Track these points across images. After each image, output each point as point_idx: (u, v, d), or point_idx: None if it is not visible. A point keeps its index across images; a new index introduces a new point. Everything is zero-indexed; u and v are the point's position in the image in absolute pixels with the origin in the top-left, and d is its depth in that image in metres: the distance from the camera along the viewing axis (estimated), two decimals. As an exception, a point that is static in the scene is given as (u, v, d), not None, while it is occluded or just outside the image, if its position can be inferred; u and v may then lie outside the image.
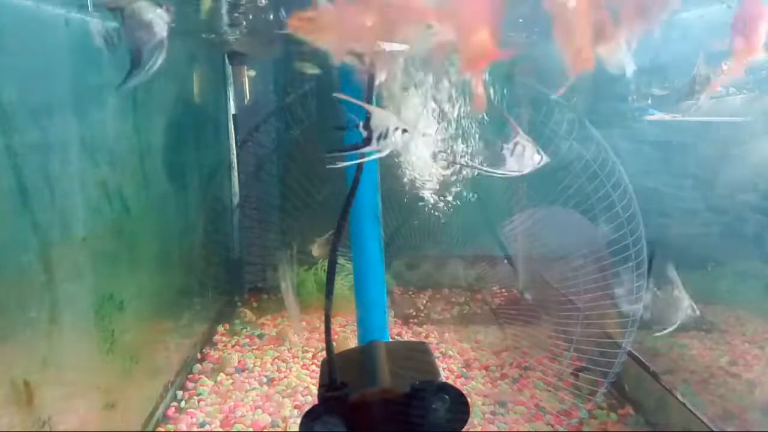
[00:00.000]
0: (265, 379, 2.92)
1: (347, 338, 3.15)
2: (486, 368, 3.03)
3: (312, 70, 2.50)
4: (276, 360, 3.13)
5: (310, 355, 3.18)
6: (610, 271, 2.61)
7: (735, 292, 2.69)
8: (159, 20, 1.16)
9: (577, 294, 2.89)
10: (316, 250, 3.29)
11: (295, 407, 2.68)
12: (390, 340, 1.18)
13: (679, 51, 2.53)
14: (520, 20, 2.37)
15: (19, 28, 1.65)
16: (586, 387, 2.73)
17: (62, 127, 1.86)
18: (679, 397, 2.38)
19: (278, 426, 2.55)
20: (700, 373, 2.56)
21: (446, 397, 0.96)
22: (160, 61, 1.19)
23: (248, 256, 3.99)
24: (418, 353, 1.10)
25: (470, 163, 2.23)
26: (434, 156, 2.10)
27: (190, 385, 2.87)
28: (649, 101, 2.67)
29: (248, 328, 3.54)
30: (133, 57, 1.17)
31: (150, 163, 2.54)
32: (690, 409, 2.30)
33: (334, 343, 0.99)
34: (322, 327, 0.98)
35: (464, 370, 3.02)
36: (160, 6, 1.17)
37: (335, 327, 3.40)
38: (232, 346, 3.30)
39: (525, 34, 2.56)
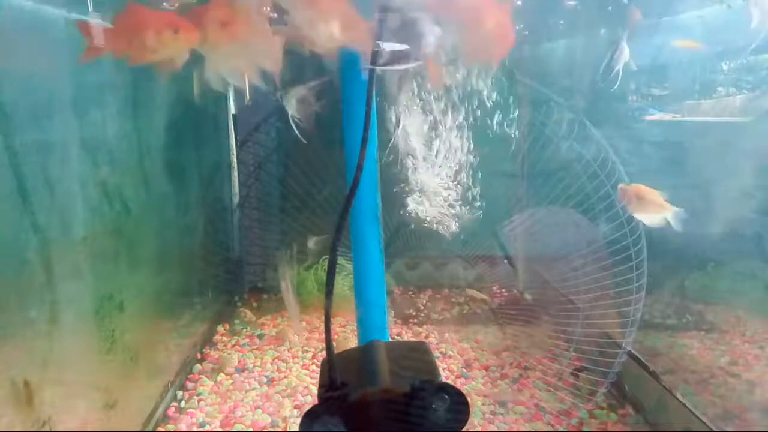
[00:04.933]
0: (265, 379, 2.92)
1: (347, 338, 3.15)
2: (486, 368, 3.03)
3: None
4: (276, 360, 3.13)
5: (310, 355, 3.18)
6: (610, 270, 2.61)
7: (735, 292, 2.69)
8: (430, 36, 1.15)
9: (577, 294, 2.89)
10: (312, 244, 3.32)
11: (295, 407, 2.67)
12: (390, 340, 1.18)
13: (679, 51, 2.55)
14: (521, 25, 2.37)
15: (19, 28, 1.65)
16: (586, 387, 2.73)
17: (62, 127, 1.86)
18: (679, 397, 2.38)
19: (278, 426, 2.55)
20: (700, 373, 2.56)
21: (446, 397, 0.96)
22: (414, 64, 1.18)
23: (248, 255, 3.99)
24: (418, 353, 1.09)
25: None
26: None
27: (190, 385, 2.87)
28: (650, 100, 2.68)
29: (248, 328, 3.54)
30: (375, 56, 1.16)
31: (150, 163, 2.55)
32: (690, 409, 2.30)
33: (334, 343, 0.99)
34: (322, 327, 0.98)
35: (464, 370, 3.02)
36: (438, 25, 1.16)
37: (335, 327, 3.40)
38: (232, 346, 3.30)
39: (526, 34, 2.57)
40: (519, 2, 2.03)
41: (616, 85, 1.88)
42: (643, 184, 2.24)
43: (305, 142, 2.42)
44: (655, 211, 2.18)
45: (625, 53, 1.93)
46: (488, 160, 2.83)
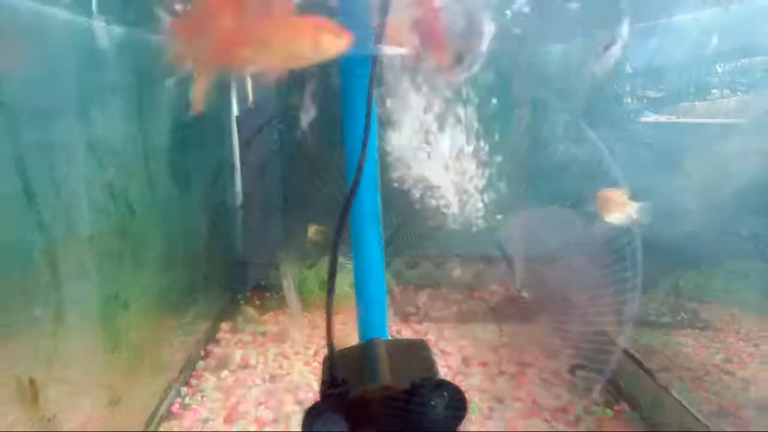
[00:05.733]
0: (267, 376, 2.94)
1: (348, 336, 3.16)
2: (484, 365, 3.04)
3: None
4: (278, 357, 3.15)
5: (311, 352, 3.20)
6: (606, 269, 2.62)
7: (730, 290, 2.71)
8: (489, 35, 1.18)
9: (574, 292, 2.91)
10: (312, 233, 3.33)
11: (297, 403, 2.69)
12: (390, 337, 1.19)
13: (674, 53, 2.56)
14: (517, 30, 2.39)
15: (27, 29, 1.66)
16: (583, 384, 2.75)
17: (68, 129, 1.87)
18: (675, 394, 2.40)
19: (280, 422, 2.57)
20: (695, 370, 2.58)
21: (445, 393, 0.96)
22: (475, 67, 1.22)
23: (251, 255, 4.00)
24: (418, 350, 1.10)
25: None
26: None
27: (193, 381, 2.89)
28: (645, 102, 2.69)
29: (251, 325, 3.55)
30: (454, 56, 1.20)
31: (155, 164, 2.55)
32: (685, 407, 2.32)
33: (335, 341, 1.01)
34: (324, 324, 1.00)
35: (463, 366, 3.04)
36: (493, 22, 1.18)
37: (336, 325, 3.41)
38: (235, 344, 3.32)
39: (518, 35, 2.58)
40: (516, 6, 2.05)
41: (612, 67, 1.91)
42: (613, 187, 2.30)
43: (310, 144, 2.42)
44: (619, 210, 2.22)
45: (619, 46, 1.95)
46: (488, 160, 2.85)
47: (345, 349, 1.13)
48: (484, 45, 1.19)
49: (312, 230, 3.38)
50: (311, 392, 2.78)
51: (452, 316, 3.68)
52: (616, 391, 2.78)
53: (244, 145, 3.78)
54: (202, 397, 2.75)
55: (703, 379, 2.50)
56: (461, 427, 0.98)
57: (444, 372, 2.96)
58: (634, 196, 2.31)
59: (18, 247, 1.61)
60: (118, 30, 2.17)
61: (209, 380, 2.90)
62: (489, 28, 1.19)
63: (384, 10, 1.12)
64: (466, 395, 0.96)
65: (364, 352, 1.08)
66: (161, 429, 2.50)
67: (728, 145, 2.40)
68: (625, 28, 1.95)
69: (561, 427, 2.53)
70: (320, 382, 1.01)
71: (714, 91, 2.39)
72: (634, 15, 2.39)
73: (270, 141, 3.75)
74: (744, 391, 2.43)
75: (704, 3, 2.30)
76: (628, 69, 2.34)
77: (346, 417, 0.94)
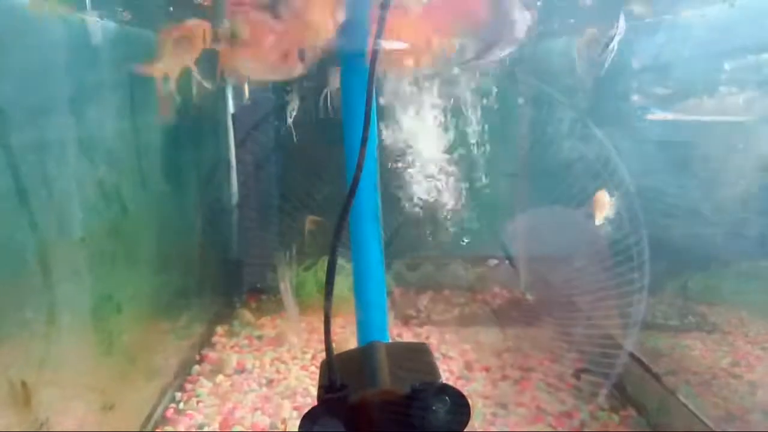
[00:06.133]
0: (264, 381, 2.91)
1: (347, 339, 3.14)
2: (487, 370, 3.01)
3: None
4: (275, 361, 3.12)
5: (309, 356, 3.17)
6: (612, 271, 2.60)
7: (738, 292, 2.69)
8: (523, 22, 1.20)
9: (579, 295, 2.88)
10: (309, 224, 3.32)
11: (294, 409, 2.67)
12: (390, 341, 1.17)
13: (681, 50, 2.54)
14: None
15: (16, 27, 1.64)
16: (588, 388, 2.72)
17: (60, 127, 1.86)
18: (682, 398, 2.37)
19: (277, 428, 2.54)
20: (702, 374, 2.55)
21: (446, 398, 0.95)
22: (507, 51, 1.24)
23: (247, 256, 3.97)
24: (419, 354, 1.09)
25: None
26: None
27: (188, 386, 2.86)
28: (652, 100, 2.67)
29: (248, 328, 3.52)
30: (485, 43, 1.23)
31: (148, 162, 2.54)
32: (692, 411, 2.29)
33: (333, 345, 0.98)
34: (322, 328, 0.97)
35: (465, 371, 3.01)
36: (528, 10, 1.21)
37: (335, 328, 3.39)
38: (231, 348, 3.29)
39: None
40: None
41: (609, 61, 1.91)
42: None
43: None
44: (604, 211, 2.30)
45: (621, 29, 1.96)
46: (490, 160, 2.83)
47: (344, 352, 1.11)
48: (519, 33, 1.18)
49: (310, 222, 3.37)
50: (309, 397, 2.75)
51: (454, 319, 3.66)
52: (622, 396, 2.74)
53: (240, 142, 3.76)
54: (198, 402, 2.72)
55: (710, 383, 2.48)
56: (464, 433, 0.95)
57: (446, 377, 2.93)
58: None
59: (10, 247, 1.60)
60: (111, 25, 2.15)
61: (204, 385, 2.87)
62: (523, 16, 1.18)
63: (385, 4, 1.12)
64: (469, 400, 0.94)
65: (364, 355, 1.07)
66: (155, 434, 2.47)
67: (736, 144, 2.38)
68: (621, 23, 1.93)
69: (566, 433, 2.50)
70: (318, 386, 0.99)
71: (722, 88, 2.37)
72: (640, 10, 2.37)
73: (267, 138, 3.73)
74: (751, 394, 2.41)
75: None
76: (635, 65, 2.32)
77: (344, 422, 0.93)
